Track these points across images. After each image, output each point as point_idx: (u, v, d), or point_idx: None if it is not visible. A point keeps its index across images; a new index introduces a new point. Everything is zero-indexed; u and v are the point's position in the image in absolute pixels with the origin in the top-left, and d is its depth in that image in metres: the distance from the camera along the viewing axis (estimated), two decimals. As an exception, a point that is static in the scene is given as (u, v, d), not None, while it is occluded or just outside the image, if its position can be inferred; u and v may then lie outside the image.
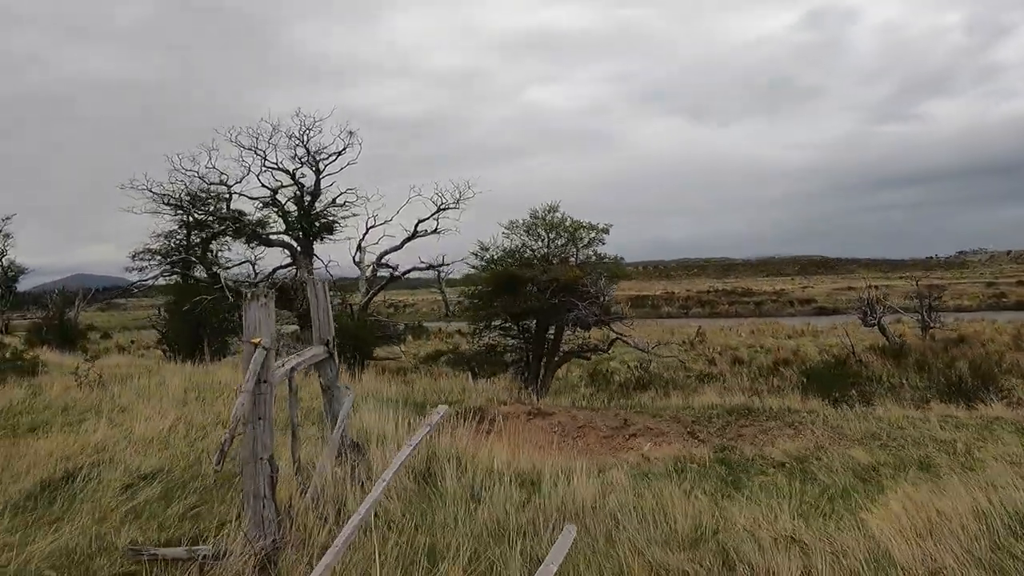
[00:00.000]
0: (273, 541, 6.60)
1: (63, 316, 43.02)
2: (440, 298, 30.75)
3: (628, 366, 38.05)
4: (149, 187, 30.24)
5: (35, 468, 10.21)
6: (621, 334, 28.20)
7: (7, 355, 23.49)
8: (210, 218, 30.63)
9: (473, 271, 28.75)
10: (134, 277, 37.06)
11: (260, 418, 6.66)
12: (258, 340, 6.63)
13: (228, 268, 30.62)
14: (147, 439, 12.03)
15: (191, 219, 34.22)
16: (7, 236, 51.01)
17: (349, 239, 32.28)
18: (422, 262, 29.79)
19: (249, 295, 6.77)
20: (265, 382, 6.69)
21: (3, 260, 51.55)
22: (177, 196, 30.54)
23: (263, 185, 30.53)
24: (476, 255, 28.96)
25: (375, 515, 7.19)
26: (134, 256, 35.47)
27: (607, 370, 36.16)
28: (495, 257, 28.43)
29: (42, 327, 45.16)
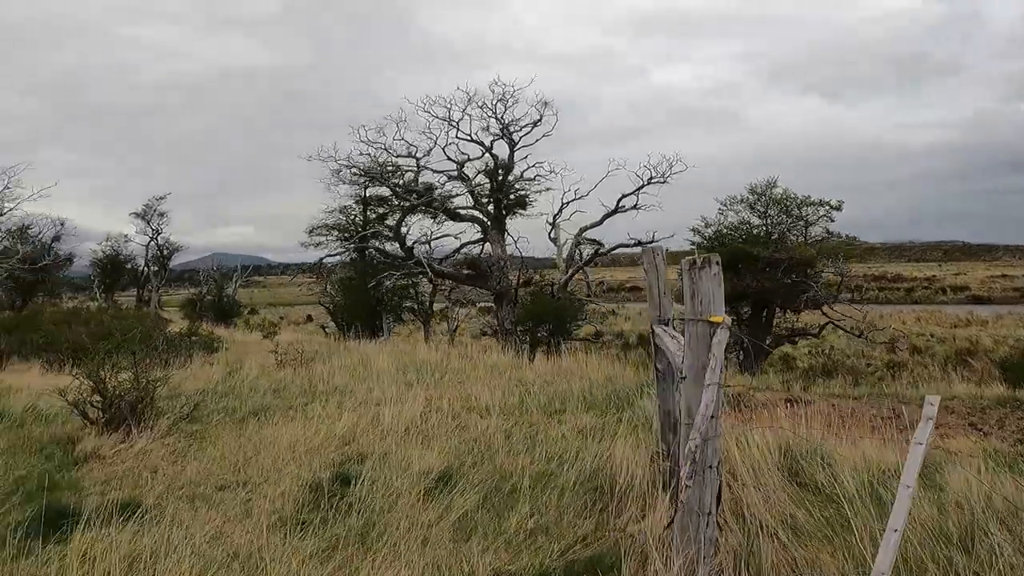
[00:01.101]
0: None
1: (221, 292, 42.67)
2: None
3: (807, 352, 35.58)
4: (336, 158, 28.76)
5: (288, 464, 8.66)
6: (832, 319, 25.56)
7: (184, 331, 22.15)
8: (399, 191, 28.94)
9: (693, 247, 26.43)
10: (310, 253, 37.00)
11: (712, 416, 4.63)
12: (720, 318, 4.60)
13: (423, 243, 28.84)
14: (400, 428, 10.30)
15: (366, 194, 33.35)
16: (162, 215, 51.28)
17: (543, 214, 30.36)
18: (630, 238, 27.48)
19: (698, 261, 4.77)
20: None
21: (158, 238, 51.64)
22: (366, 168, 29.04)
23: (449, 158, 28.75)
24: (696, 231, 26.79)
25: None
26: (311, 231, 35.27)
27: (789, 355, 33.60)
28: (722, 232, 26.15)
29: (196, 302, 45.52)
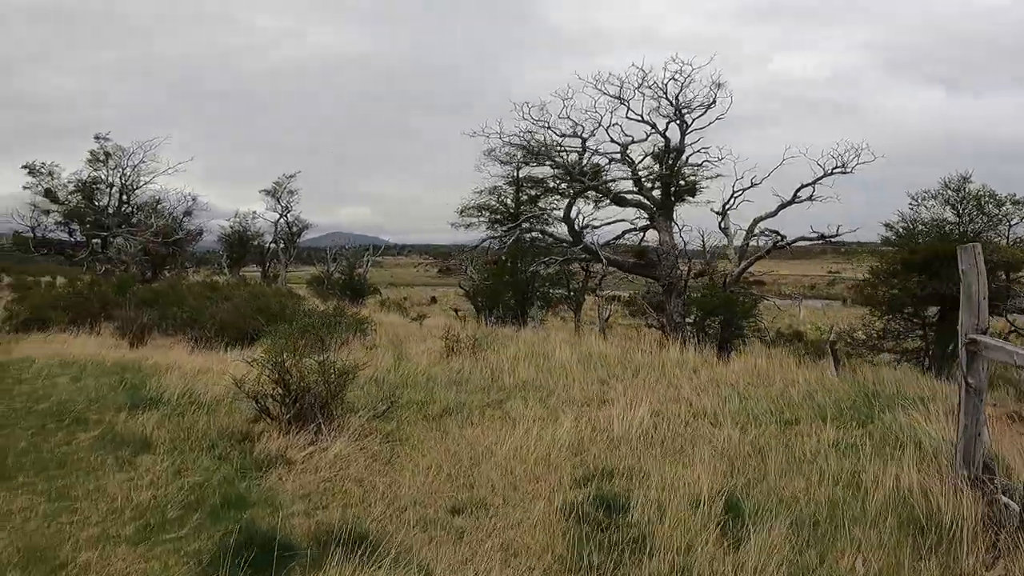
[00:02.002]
0: None
1: (352, 270, 41.80)
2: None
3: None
4: (500, 135, 26.95)
5: (523, 480, 7.36)
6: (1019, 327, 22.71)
7: (331, 311, 20.57)
8: (573, 173, 27.04)
9: (885, 242, 23.94)
10: (460, 234, 36.51)
11: None
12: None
13: (592, 229, 26.98)
14: (631, 437, 8.91)
15: (519, 175, 32.09)
16: (291, 193, 50.96)
17: (710, 202, 28.07)
18: (813, 231, 25.02)
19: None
20: None
21: (288, 216, 51.24)
22: (530, 146, 27.22)
23: (612, 140, 26.60)
24: (889, 227, 24.14)
25: None
26: (461, 212, 34.43)
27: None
28: (915, 230, 23.53)
29: (323, 280, 44.87)
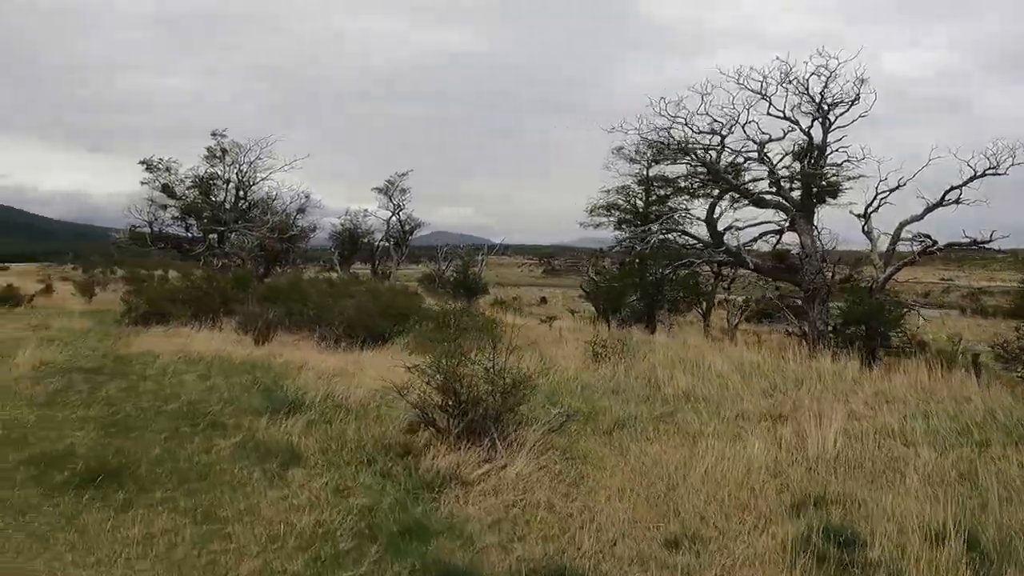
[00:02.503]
0: None
1: (467, 269, 41.16)
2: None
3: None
4: (638, 131, 25.71)
5: (728, 507, 6.45)
6: None
7: (458, 311, 19.53)
8: (718, 172, 25.66)
9: None
10: (591, 234, 35.44)
11: None
12: None
13: (735, 230, 25.60)
14: (828, 457, 8.15)
15: (649, 174, 31.05)
16: (404, 191, 50.49)
17: (851, 204, 26.29)
18: (965, 236, 23.14)
19: None
20: None
21: (400, 214, 50.84)
22: (668, 143, 25.93)
23: (748, 138, 25.06)
24: None
25: None
26: (591, 211, 33.47)
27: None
28: None
29: (434, 278, 44.69)
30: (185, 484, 6.69)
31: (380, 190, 50.87)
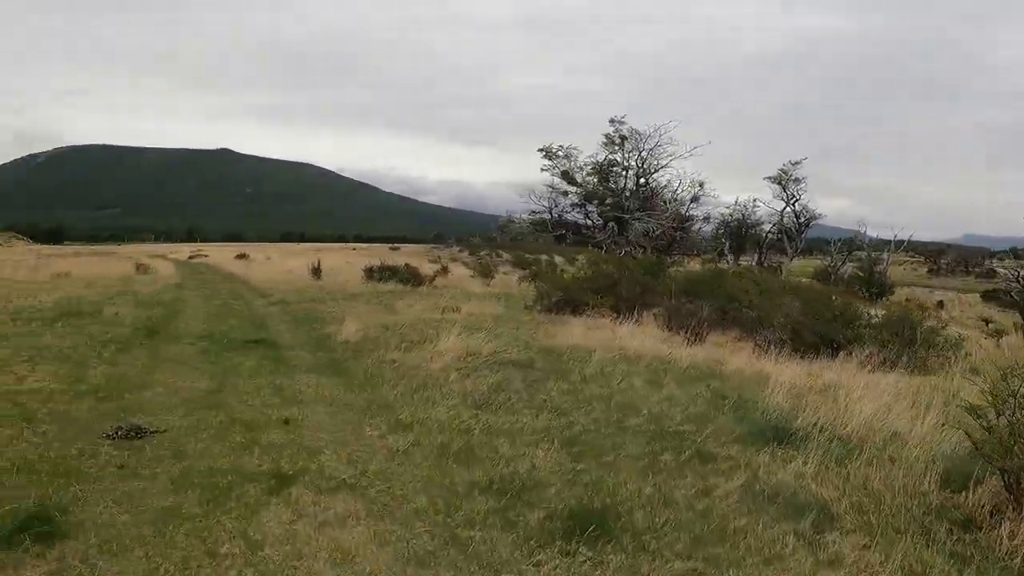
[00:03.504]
0: None
1: (872, 266, 38.08)
2: None
3: None
4: None
5: None
6: None
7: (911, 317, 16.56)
8: None
9: None
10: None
11: None
12: None
13: None
14: None
15: None
16: (797, 181, 47.64)
17: None
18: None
19: None
20: None
21: (795, 205, 48.05)
22: None
23: None
24: None
25: None
26: None
27: None
28: None
29: (829, 273, 43.54)
30: (701, 546, 5.02)
31: (773, 179, 48.66)
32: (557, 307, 17.63)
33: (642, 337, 13.80)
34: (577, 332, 13.93)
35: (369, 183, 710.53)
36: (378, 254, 47.53)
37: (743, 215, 51.75)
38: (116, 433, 7.10)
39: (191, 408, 8.35)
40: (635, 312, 16.43)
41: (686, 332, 13.96)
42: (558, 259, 43.78)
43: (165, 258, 54.04)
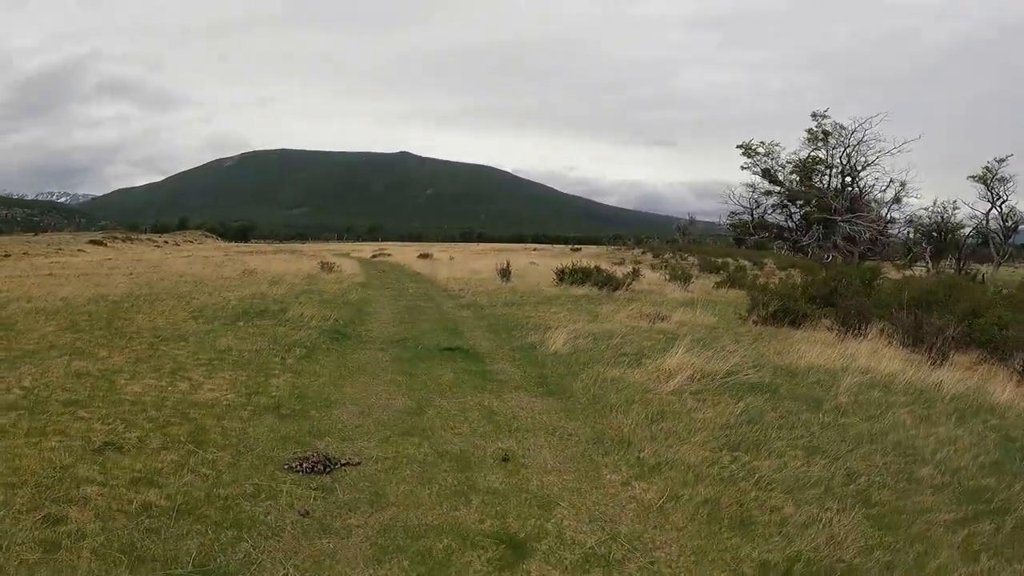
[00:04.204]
0: None
1: None
2: None
3: None
4: None
5: None
6: None
7: None
8: None
9: None
10: None
11: None
12: None
13: None
14: None
15: None
16: (1003, 180, 44.05)
17: None
18: None
19: None
20: None
21: (1002, 205, 44.57)
22: None
23: None
24: None
25: None
26: None
27: None
28: None
29: None
30: None
31: (977, 178, 45.03)
32: (775, 318, 16.44)
33: (879, 356, 12.44)
34: (805, 348, 12.73)
35: (547, 184, 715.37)
36: (560, 255, 46.93)
37: (942, 217, 48.40)
38: (301, 465, 6.39)
39: (388, 433, 7.59)
40: (858, 325, 15.11)
41: (929, 352, 12.52)
42: (745, 262, 42.18)
43: (348, 256, 54.86)
